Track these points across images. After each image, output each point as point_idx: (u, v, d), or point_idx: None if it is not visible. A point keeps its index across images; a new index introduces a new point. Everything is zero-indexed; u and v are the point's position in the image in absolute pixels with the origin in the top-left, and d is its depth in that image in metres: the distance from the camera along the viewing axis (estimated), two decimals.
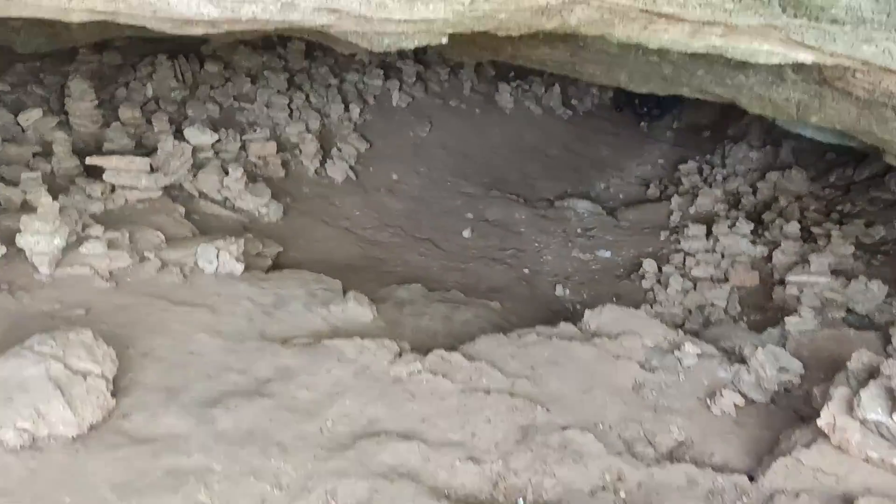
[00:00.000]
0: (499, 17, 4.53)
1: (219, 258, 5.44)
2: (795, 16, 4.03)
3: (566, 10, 4.47)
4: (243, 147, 8.33)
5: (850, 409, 3.73)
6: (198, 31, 4.91)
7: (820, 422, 3.76)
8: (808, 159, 10.80)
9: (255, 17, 4.41)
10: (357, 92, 10.52)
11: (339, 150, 9.37)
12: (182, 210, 6.46)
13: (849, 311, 6.60)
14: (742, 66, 6.07)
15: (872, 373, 4.51)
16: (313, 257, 7.14)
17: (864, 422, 3.65)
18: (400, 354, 4.91)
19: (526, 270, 8.24)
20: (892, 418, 3.57)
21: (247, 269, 5.69)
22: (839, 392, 3.86)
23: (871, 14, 3.86)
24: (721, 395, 4.70)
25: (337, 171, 9.00)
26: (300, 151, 8.88)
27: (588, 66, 7.36)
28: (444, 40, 4.90)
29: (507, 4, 4.38)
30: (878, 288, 6.60)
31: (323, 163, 8.98)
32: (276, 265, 6.55)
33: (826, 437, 3.77)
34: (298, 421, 4.04)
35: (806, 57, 4.58)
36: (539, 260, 8.62)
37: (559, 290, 7.83)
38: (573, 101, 13.48)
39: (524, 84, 12.69)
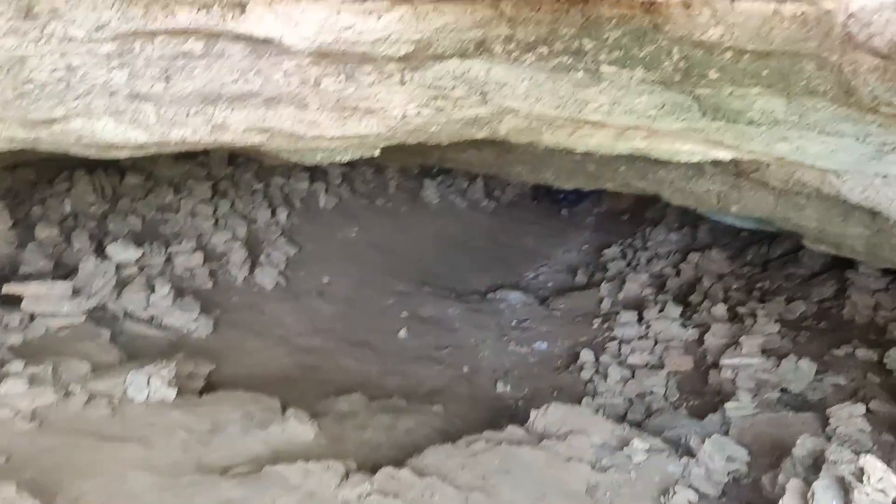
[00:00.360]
0: (430, 129, 4.61)
1: (150, 385, 5.17)
2: (714, 119, 4.23)
3: (496, 120, 4.59)
4: (169, 260, 8.10)
5: (804, 502, 3.74)
6: (123, 154, 4.83)
7: None
8: (725, 238, 11.24)
9: (185, 139, 4.37)
10: (283, 196, 10.48)
11: (268, 255, 9.23)
12: (108, 334, 6.17)
13: (783, 390, 6.74)
14: (663, 161, 6.32)
15: (817, 458, 4.59)
16: (248, 371, 6.90)
17: None
18: (347, 475, 4.71)
19: (465, 368, 8.16)
20: None
21: (180, 392, 5.43)
22: (792, 485, 3.89)
23: (783, 116, 4.08)
24: (674, 492, 4.67)
25: (266, 278, 8.83)
26: (228, 260, 8.71)
27: (515, 167, 7.55)
28: (377, 153, 4.95)
29: (439, 117, 4.47)
30: (807, 366, 6.79)
31: (252, 270, 8.80)
32: (210, 384, 6.28)
33: None
34: None
35: (725, 155, 4.80)
36: (477, 356, 8.56)
37: (500, 387, 7.77)
38: (496, 193, 13.77)
39: (448, 179, 12.91)
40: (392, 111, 4.30)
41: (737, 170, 5.74)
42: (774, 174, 5.37)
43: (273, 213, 9.88)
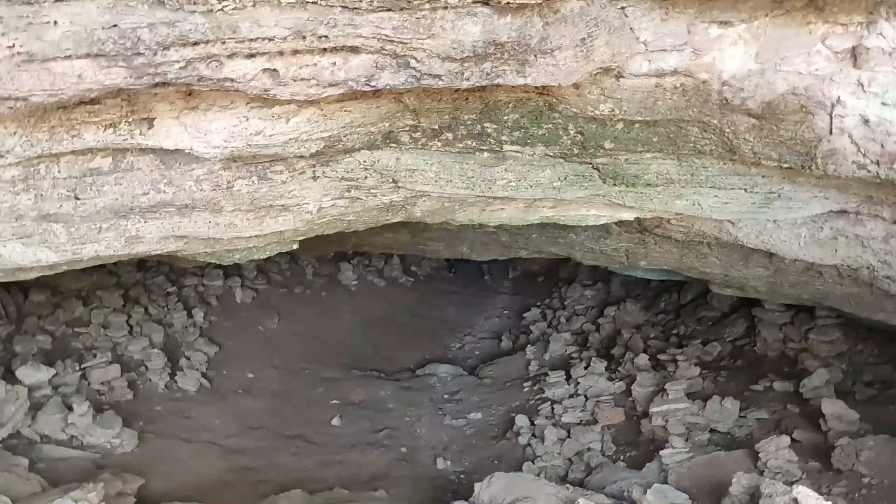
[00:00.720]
0: (347, 218, 4.71)
1: None
2: (615, 184, 4.49)
3: (409, 204, 4.72)
4: (84, 376, 7.80)
5: None
6: (32, 275, 4.71)
7: None
8: (637, 289, 11.65)
9: (98, 254, 4.32)
10: (198, 295, 10.30)
11: (188, 358, 9.01)
12: (25, 462, 5.85)
13: (712, 430, 6.96)
14: (572, 226, 6.60)
15: (753, 493, 4.75)
16: (179, 482, 6.65)
17: None
18: None
19: (403, 449, 8.09)
20: None
21: None
22: None
23: (677, 175, 4.36)
24: None
25: (189, 381, 8.59)
26: (146, 368, 8.44)
27: (431, 244, 7.70)
28: (295, 246, 4.99)
29: (354, 206, 4.58)
30: (731, 405, 7.04)
31: (173, 375, 8.55)
32: (141, 500, 6.02)
33: None
34: None
35: (628, 215, 5.07)
36: (413, 435, 8.51)
37: (440, 464, 7.72)
38: (413, 268, 13.92)
39: (364, 259, 12.99)
40: (307, 206, 4.39)
41: (641, 227, 6.05)
42: (676, 228, 5.67)
43: (189, 314, 9.68)
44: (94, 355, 8.14)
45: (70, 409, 6.91)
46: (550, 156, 4.23)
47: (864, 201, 4.44)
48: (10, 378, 7.11)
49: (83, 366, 7.89)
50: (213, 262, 5.13)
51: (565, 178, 4.42)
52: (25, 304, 8.87)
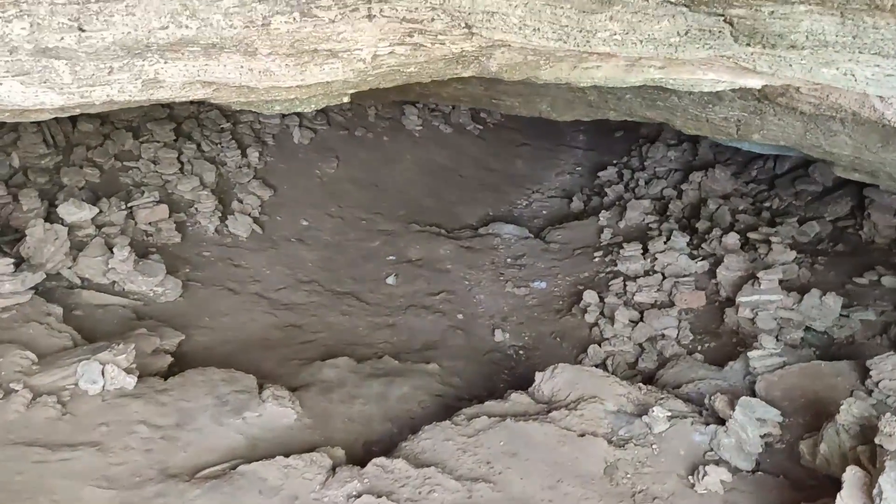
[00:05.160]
0: (408, 70, 3.88)
1: (105, 375, 4.57)
2: (749, 44, 3.51)
3: (484, 55, 3.85)
4: (130, 215, 7.39)
5: (869, 498, 3.21)
6: (44, 116, 4.07)
7: None
8: (726, 153, 10.55)
9: (112, 98, 3.63)
10: (254, 133, 9.66)
11: (241, 201, 8.52)
12: (59, 311, 5.50)
13: (807, 328, 6.22)
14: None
15: (864, 425, 4.07)
16: (221, 337, 6.33)
17: None
18: (333, 470, 4.18)
19: (460, 316, 7.60)
20: None
21: (141, 377, 4.83)
22: (851, 478, 3.34)
23: (834, 37, 3.36)
24: (704, 472, 4.15)
25: (240, 226, 8.14)
26: (196, 210, 8.00)
27: (505, 99, 6.77)
28: (346, 99, 4.21)
29: (416, 56, 3.73)
30: (833, 301, 6.24)
31: (223, 219, 8.11)
32: (179, 357, 5.69)
33: None
34: None
35: (756, 82, 4.09)
36: (472, 301, 7.99)
37: (498, 336, 7.22)
38: (482, 114, 12.93)
39: (431, 103, 12.04)
40: (359, 52, 3.57)
41: (760, 94, 5.02)
42: (806, 98, 4.66)
43: (243, 153, 9.10)
44: (143, 192, 7.69)
45: (112, 251, 6.51)
46: (671, 2, 3.27)
47: None
48: (53, 216, 6.73)
49: (129, 204, 7.46)
50: (252, 110, 4.40)
51: (686, 34, 3.46)
52: (74, 133, 8.39)
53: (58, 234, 6.37)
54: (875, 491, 3.18)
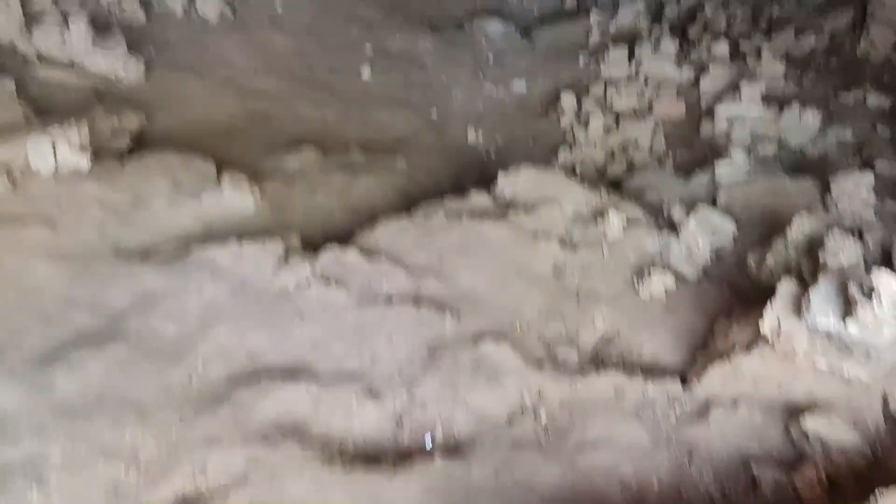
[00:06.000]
0: None
1: (56, 153, 4.47)
2: None
3: None
4: None
5: (797, 310, 3.27)
6: None
7: (763, 327, 3.31)
8: None
9: None
10: None
11: None
12: (12, 86, 5.27)
13: (781, 145, 6.12)
14: None
15: (813, 242, 4.10)
16: (185, 121, 6.14)
17: (812, 327, 3.21)
18: (286, 257, 4.22)
19: (434, 113, 7.41)
20: (844, 323, 3.13)
21: (97, 158, 4.73)
22: (784, 290, 3.39)
23: None
24: (650, 276, 4.22)
25: (209, 7, 7.69)
26: None
27: None
28: None
29: None
30: (812, 118, 6.09)
31: (192, 0, 7.64)
32: (140, 140, 5.56)
33: (768, 341, 3.33)
34: (161, 369, 3.38)
35: None
36: (448, 98, 7.76)
37: (471, 136, 7.07)
38: None
39: None
40: None
41: None
42: None
43: None
44: None
45: (68, 26, 6.18)
46: None
47: None
48: None
49: None
50: None
51: None
52: None
53: (9, 4, 6.00)
54: (804, 303, 3.23)
